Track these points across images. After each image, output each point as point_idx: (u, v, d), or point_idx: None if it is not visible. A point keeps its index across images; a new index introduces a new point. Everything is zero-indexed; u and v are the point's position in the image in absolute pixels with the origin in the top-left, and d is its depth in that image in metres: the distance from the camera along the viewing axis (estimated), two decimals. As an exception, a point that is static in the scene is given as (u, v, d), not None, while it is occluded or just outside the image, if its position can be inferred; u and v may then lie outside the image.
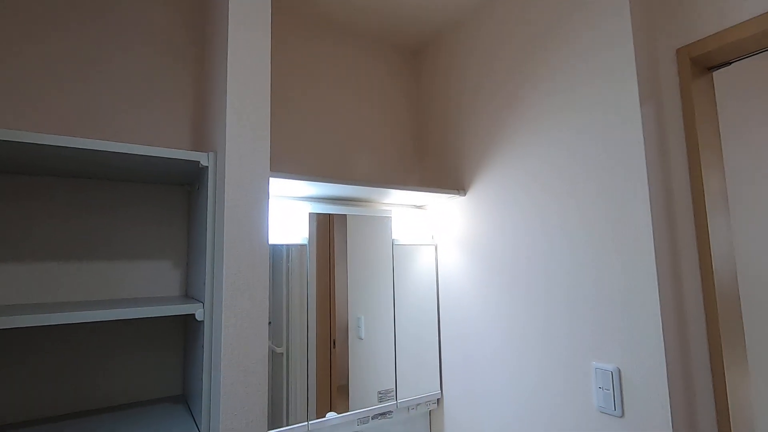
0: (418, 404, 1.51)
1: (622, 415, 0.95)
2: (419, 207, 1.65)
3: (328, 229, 1.49)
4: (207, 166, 0.85)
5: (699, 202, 0.99)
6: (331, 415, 1.33)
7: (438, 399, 1.55)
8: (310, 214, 1.38)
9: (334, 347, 1.54)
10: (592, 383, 1.02)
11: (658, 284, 0.90)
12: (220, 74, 0.91)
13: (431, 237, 1.63)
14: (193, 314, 0.82)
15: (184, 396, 1.03)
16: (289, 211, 1.34)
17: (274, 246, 1.30)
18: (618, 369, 0.97)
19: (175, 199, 1.09)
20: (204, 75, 1.14)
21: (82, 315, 0.69)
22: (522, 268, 1.22)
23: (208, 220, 0.85)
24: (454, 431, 1.47)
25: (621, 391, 0.96)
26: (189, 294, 1.02)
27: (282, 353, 1.33)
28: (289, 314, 1.35)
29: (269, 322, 1.34)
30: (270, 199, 1.30)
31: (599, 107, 1.03)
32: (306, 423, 1.28)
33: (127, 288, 0.99)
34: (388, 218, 1.54)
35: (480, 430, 1.35)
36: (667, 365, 0.88)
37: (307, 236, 1.36)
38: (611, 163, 1.00)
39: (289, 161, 1.44)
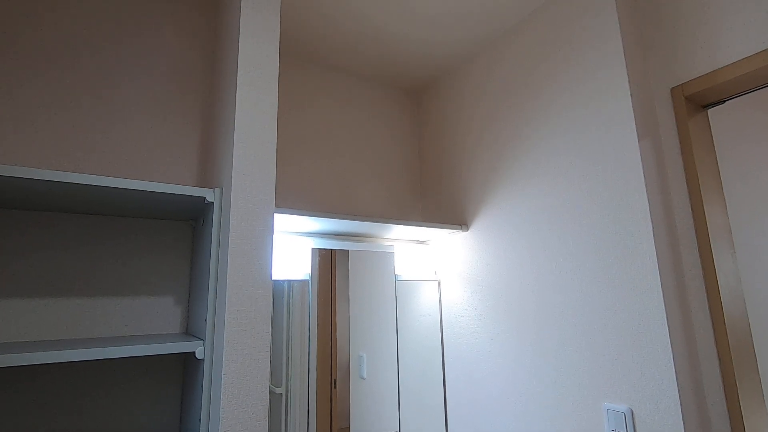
0: (423, 449, 1.44)
1: (638, 461, 0.91)
2: (422, 242, 1.65)
3: (330, 265, 1.48)
4: (212, 202, 0.86)
5: (703, 238, 0.99)
6: (331, 459, 1.27)
7: (443, 443, 1.48)
8: (312, 249, 1.38)
9: (335, 387, 1.49)
10: (605, 425, 0.98)
11: (668, 320, 0.88)
12: (228, 111, 0.94)
13: (434, 273, 1.62)
14: (193, 352, 0.80)
15: (180, 440, 0.99)
16: (292, 246, 1.34)
17: (276, 282, 1.29)
18: (630, 410, 0.93)
19: (179, 234, 1.09)
20: (211, 109, 1.18)
21: (73, 353, 0.68)
22: (528, 305, 1.20)
23: (211, 254, 0.85)
24: (461, 478, 1.39)
25: (635, 434, 0.92)
26: (189, 331, 1.00)
27: (281, 394, 1.29)
28: (289, 353, 1.32)
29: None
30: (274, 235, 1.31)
31: (599, 146, 1.05)
32: (305, 469, 1.22)
33: (128, 324, 0.98)
34: (391, 254, 1.53)
35: (488, 477, 1.29)
36: (681, 403, 0.85)
37: (310, 272, 1.36)
38: (614, 201, 1.01)
39: (294, 198, 1.46)
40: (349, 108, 1.65)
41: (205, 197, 0.85)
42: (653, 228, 0.93)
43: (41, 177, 0.69)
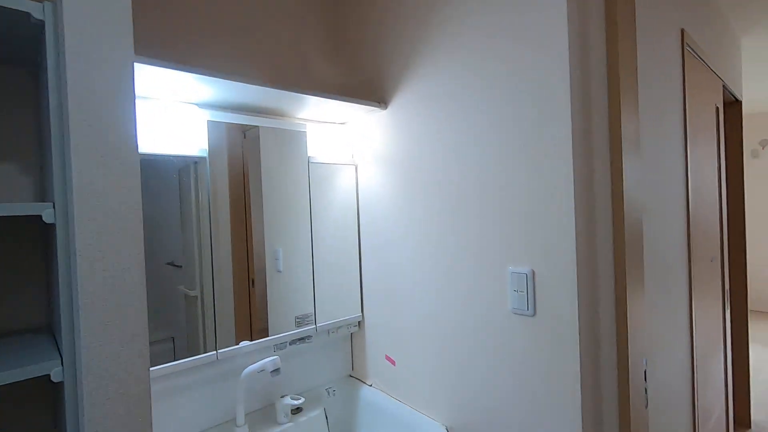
0: (339, 327, 1.47)
1: (534, 314, 0.97)
2: (339, 124, 1.52)
3: (241, 152, 1.32)
4: (43, 22, 0.64)
5: (615, 120, 0.99)
6: (244, 343, 1.24)
7: (359, 322, 1.52)
8: (209, 122, 1.19)
9: (253, 286, 1.43)
10: (508, 287, 1.02)
11: (575, 200, 0.89)
12: None
13: (351, 156, 1.52)
14: (40, 215, 0.64)
15: (49, 324, 0.86)
16: (182, 118, 1.13)
17: (163, 157, 1.10)
18: (532, 271, 0.98)
19: (17, 85, 0.84)
20: None
21: None
22: (444, 184, 1.17)
23: (50, 104, 0.65)
24: (376, 351, 1.46)
25: (534, 292, 0.97)
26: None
27: (196, 296, 1.20)
28: (201, 251, 1.20)
29: (179, 266, 1.19)
30: (150, 99, 1.09)
31: (524, 26, 0.95)
32: (215, 352, 1.18)
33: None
34: (303, 132, 1.39)
35: (401, 347, 1.35)
36: (577, 268, 0.89)
37: (207, 148, 1.18)
38: (536, 81, 0.94)
39: (178, 53, 1.21)
40: (249, -46, 1.35)
41: (30, 13, 0.62)
42: (572, 111, 0.89)
43: None
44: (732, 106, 2.51)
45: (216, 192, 1.23)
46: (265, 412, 1.31)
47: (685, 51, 1.56)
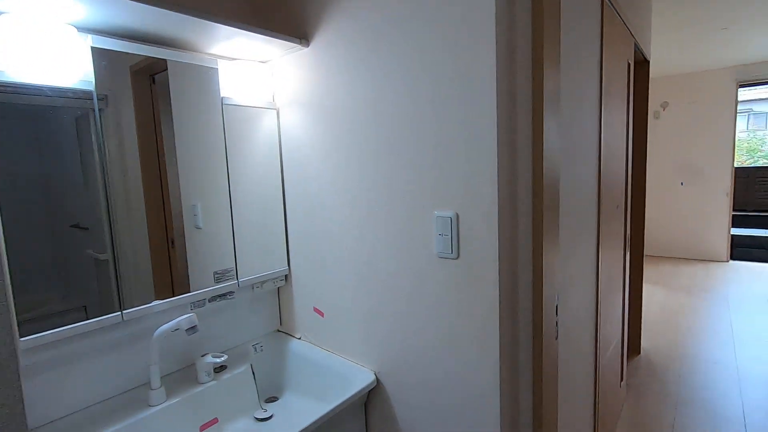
0: (264, 282, 1.41)
1: (458, 257, 0.98)
2: (257, 62, 1.38)
3: (150, 99, 1.16)
4: None
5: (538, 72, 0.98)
6: (155, 302, 1.14)
7: (286, 275, 1.47)
8: (93, 49, 1.01)
9: (174, 247, 1.30)
10: (434, 231, 1.02)
11: (497, 146, 0.88)
12: None
13: (272, 99, 1.40)
14: None
15: None
16: (58, 42, 0.94)
17: (49, 98, 0.92)
18: (456, 215, 0.97)
19: None
20: None
21: None
22: (369, 128, 1.11)
23: None
24: (304, 304, 1.42)
25: (458, 236, 0.98)
26: None
27: (107, 260, 1.06)
28: (108, 208, 1.05)
29: (86, 228, 1.04)
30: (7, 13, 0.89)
31: None
32: (119, 312, 1.06)
33: None
34: (214, 69, 1.24)
35: (329, 298, 1.33)
36: (499, 211, 0.90)
37: (93, 80, 1.01)
38: (464, 27, 0.89)
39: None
40: None
41: None
42: (497, 59, 0.86)
43: None
44: (641, 66, 2.69)
45: (123, 143, 1.08)
46: (186, 373, 1.24)
47: (605, 1, 1.60)
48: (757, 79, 4.94)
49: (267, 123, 1.38)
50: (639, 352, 2.96)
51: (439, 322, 1.04)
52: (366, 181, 1.15)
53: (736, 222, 5.71)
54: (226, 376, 1.25)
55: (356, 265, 1.22)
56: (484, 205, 0.92)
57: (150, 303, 1.12)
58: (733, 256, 5.41)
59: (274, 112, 1.38)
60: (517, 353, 1.01)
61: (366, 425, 1.27)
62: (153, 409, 1.08)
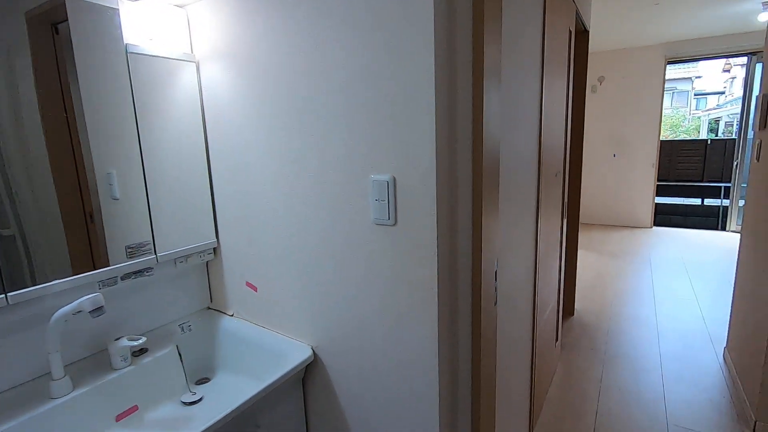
0: (188, 256, 1.28)
1: (395, 224, 0.93)
2: (172, 5, 1.20)
3: (53, 53, 0.99)
4: None
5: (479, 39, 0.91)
6: (53, 282, 0.99)
7: (214, 248, 1.35)
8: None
9: (93, 221, 1.15)
10: (370, 197, 0.95)
11: (436, 104, 0.81)
12: None
13: (190, 50, 1.24)
14: None
15: None
16: None
17: None
18: (393, 178, 0.91)
19: None
20: None
21: None
22: (303, 87, 1.00)
23: None
24: (235, 278, 1.32)
25: (395, 201, 0.92)
26: None
27: (12, 235, 0.92)
28: (7, 179, 0.89)
29: None
30: None
31: None
32: (2, 295, 0.91)
33: None
34: (114, 9, 1.06)
35: (262, 271, 1.24)
36: (437, 174, 0.85)
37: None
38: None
39: None
40: None
41: None
42: (435, 25, 0.78)
43: None
44: (582, 36, 2.73)
45: (19, 105, 0.92)
46: (98, 360, 1.11)
47: (548, -37, 1.56)
48: (683, 56, 5.26)
49: (186, 78, 1.22)
50: (573, 314, 3.15)
51: (377, 291, 0.99)
52: (297, 143, 1.05)
53: (660, 191, 6.18)
54: (146, 359, 1.14)
55: (289, 235, 1.13)
56: (422, 168, 0.86)
57: (46, 283, 0.97)
58: (656, 223, 5.88)
59: (193, 65, 1.23)
60: (457, 320, 0.99)
61: (305, 401, 1.22)
62: (56, 402, 0.95)
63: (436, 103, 0.82)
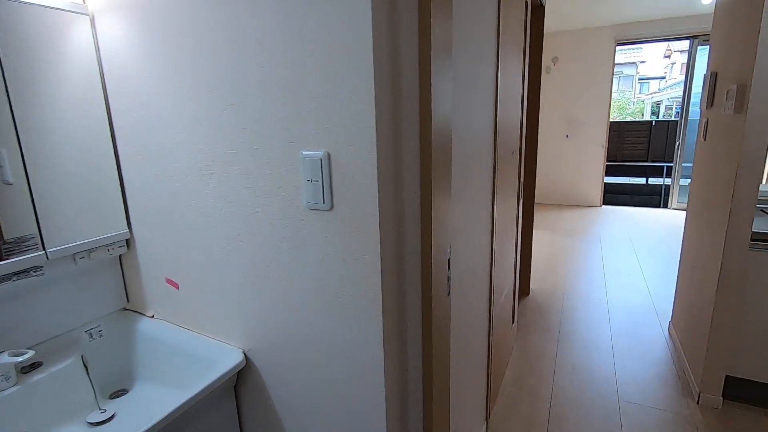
0: (92, 250, 1.08)
1: (332, 208, 0.79)
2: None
3: None
4: None
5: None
6: None
7: (127, 240, 1.15)
8: None
9: None
10: (302, 177, 0.80)
11: (375, 83, 0.67)
12: None
13: (81, 0, 1.01)
14: None
15: None
16: None
17: None
18: (327, 154, 0.77)
19: None
20: None
21: None
22: (222, 49, 0.83)
23: None
24: (154, 274, 1.14)
25: (330, 182, 0.78)
26: None
27: None
28: None
29: None
30: None
31: None
32: None
33: None
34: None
35: (184, 265, 1.06)
36: (377, 151, 0.71)
37: None
38: None
39: None
40: None
41: None
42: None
43: None
44: (537, 11, 2.65)
45: None
46: (-28, 380, 0.91)
47: None
48: (633, 38, 5.37)
49: (78, 34, 1.00)
50: (528, 294, 3.17)
51: (314, 286, 0.85)
52: (219, 119, 0.88)
53: (608, 171, 6.40)
54: (38, 376, 0.95)
55: (213, 224, 0.97)
56: (361, 143, 0.72)
57: None
58: (605, 202, 6.09)
59: (86, 18, 1.01)
60: (404, 314, 0.87)
61: (238, 410, 1.08)
62: None
63: (374, 71, 0.68)
